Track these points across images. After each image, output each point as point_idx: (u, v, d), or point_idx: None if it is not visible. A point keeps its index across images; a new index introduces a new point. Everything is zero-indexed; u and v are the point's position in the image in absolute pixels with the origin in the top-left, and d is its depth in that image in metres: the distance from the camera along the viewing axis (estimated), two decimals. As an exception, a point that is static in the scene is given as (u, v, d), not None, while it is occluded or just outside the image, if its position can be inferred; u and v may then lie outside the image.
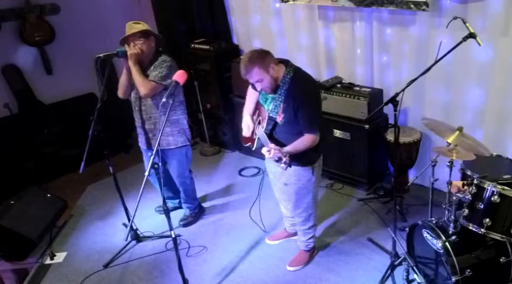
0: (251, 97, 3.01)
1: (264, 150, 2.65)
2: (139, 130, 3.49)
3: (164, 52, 3.34)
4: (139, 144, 3.59)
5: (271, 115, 2.78)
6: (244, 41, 5.07)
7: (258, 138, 2.88)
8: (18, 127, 4.68)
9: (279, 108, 2.71)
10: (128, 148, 5.10)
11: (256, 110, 2.98)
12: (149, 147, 3.48)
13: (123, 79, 3.29)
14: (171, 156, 3.49)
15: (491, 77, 3.29)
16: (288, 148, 2.67)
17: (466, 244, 2.54)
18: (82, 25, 5.05)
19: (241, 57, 2.72)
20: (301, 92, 2.65)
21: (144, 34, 3.17)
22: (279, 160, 2.56)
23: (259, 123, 2.93)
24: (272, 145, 2.61)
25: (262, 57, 2.62)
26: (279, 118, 2.73)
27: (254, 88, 2.97)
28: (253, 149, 2.97)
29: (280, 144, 2.71)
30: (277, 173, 3.07)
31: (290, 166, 2.55)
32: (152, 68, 3.22)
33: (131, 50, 3.12)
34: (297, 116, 2.67)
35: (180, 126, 3.45)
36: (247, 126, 2.93)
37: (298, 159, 2.83)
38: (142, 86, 3.14)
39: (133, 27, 3.17)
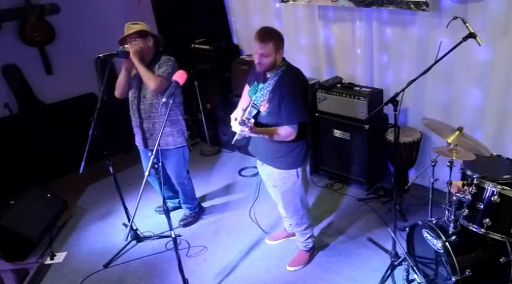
0: (246, 94, 3.03)
1: (235, 124, 2.67)
2: (136, 130, 3.50)
3: (165, 52, 3.35)
4: (136, 144, 3.59)
5: (255, 103, 2.79)
6: (244, 41, 5.07)
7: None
8: (18, 127, 4.68)
9: (265, 97, 2.74)
10: (128, 148, 5.10)
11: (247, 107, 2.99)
12: (146, 146, 3.49)
13: (120, 80, 3.30)
14: (169, 157, 3.48)
15: (491, 77, 3.29)
16: (262, 129, 2.70)
17: (466, 244, 2.54)
18: (82, 25, 5.05)
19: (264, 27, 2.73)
20: (288, 85, 2.68)
21: (141, 34, 3.19)
22: (242, 123, 2.50)
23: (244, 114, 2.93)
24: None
25: (281, 39, 2.69)
26: (263, 108, 2.75)
27: (248, 84, 3.00)
28: (233, 141, 2.91)
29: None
30: (266, 176, 3.09)
31: (252, 131, 2.53)
32: (157, 66, 3.24)
33: (133, 47, 3.13)
34: (280, 108, 2.69)
35: (180, 127, 3.46)
36: (234, 117, 2.92)
37: (283, 162, 2.86)
38: (151, 81, 3.15)
39: (130, 27, 3.20)
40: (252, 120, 2.58)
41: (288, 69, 2.74)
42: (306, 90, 2.87)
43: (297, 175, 2.91)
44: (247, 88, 3.04)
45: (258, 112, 2.78)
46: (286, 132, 2.71)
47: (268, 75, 2.76)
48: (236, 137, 2.88)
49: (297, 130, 2.72)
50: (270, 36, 2.64)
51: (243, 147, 3.00)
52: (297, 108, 2.69)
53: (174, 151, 3.47)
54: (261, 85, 2.80)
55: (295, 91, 2.70)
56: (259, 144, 2.93)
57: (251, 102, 2.85)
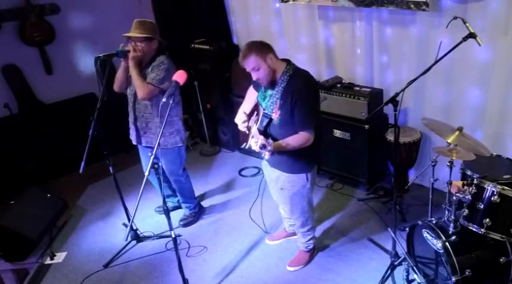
0: (250, 97, 3.01)
1: (252, 141, 2.64)
2: (131, 126, 3.53)
3: (164, 51, 3.33)
4: (130, 137, 3.60)
5: (266, 112, 2.75)
6: (244, 41, 5.03)
7: (253, 136, 2.83)
8: (18, 127, 4.67)
9: (275, 105, 2.69)
10: (128, 148, 5.09)
11: (254, 110, 2.97)
12: (139, 142, 3.53)
13: (119, 74, 3.34)
14: (163, 155, 3.48)
15: (491, 77, 3.29)
16: (280, 142, 2.65)
17: (466, 244, 2.54)
18: (82, 25, 5.05)
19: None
20: (299, 89, 2.63)
21: (147, 38, 3.19)
22: (263, 147, 2.47)
23: (256, 122, 2.90)
24: (261, 136, 2.60)
25: (260, 46, 2.65)
26: (275, 116, 2.70)
27: (255, 87, 2.97)
28: (246, 147, 2.88)
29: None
30: (273, 177, 3.05)
31: (273, 154, 2.51)
32: (150, 68, 3.23)
33: (132, 53, 3.14)
34: (293, 114, 2.64)
35: (174, 128, 3.44)
36: (239, 119, 2.89)
37: (294, 166, 2.84)
38: (141, 90, 3.18)
39: (139, 27, 3.18)
40: (271, 142, 2.51)
41: (295, 73, 2.68)
42: (317, 92, 2.83)
43: (307, 178, 2.90)
44: (251, 90, 3.01)
45: (270, 120, 2.73)
46: (303, 138, 2.65)
47: (276, 81, 2.70)
48: (248, 144, 2.84)
49: (314, 134, 2.67)
50: (248, 50, 2.62)
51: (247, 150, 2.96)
52: (310, 113, 2.66)
53: (168, 151, 3.47)
54: (269, 92, 2.75)
55: (306, 95, 2.65)
56: None
57: (262, 111, 2.80)
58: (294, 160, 2.81)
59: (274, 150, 2.55)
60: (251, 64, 2.61)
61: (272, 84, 2.71)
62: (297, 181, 2.90)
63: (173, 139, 3.45)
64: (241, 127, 2.89)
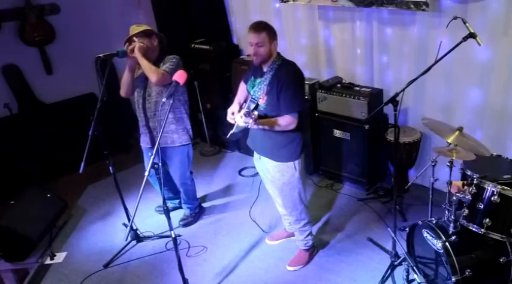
0: (242, 89, 3.08)
1: (237, 116, 2.76)
2: (142, 130, 3.52)
3: (169, 52, 3.38)
4: (141, 144, 3.59)
5: (253, 97, 2.84)
6: (244, 40, 5.07)
7: (237, 124, 2.87)
8: (18, 127, 4.68)
9: (263, 91, 2.80)
10: (129, 148, 5.11)
11: (244, 102, 3.02)
12: (153, 145, 3.49)
13: (125, 79, 3.32)
14: (173, 156, 3.49)
15: (491, 77, 3.29)
16: (264, 120, 2.76)
17: (466, 244, 2.54)
18: (82, 25, 5.05)
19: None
20: (285, 75, 2.77)
21: (146, 34, 3.24)
22: (247, 114, 2.56)
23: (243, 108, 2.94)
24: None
25: (274, 31, 2.81)
26: (262, 101, 2.80)
27: (245, 80, 3.05)
28: (229, 135, 2.95)
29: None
30: (264, 171, 3.11)
31: (256, 122, 2.61)
32: (162, 64, 3.27)
33: (137, 43, 3.17)
34: (279, 99, 2.75)
35: (184, 125, 3.50)
36: (231, 111, 2.95)
37: (281, 154, 2.90)
38: (153, 73, 3.15)
39: (135, 29, 3.26)
40: (256, 112, 2.63)
41: (283, 63, 2.83)
42: (302, 80, 2.98)
43: (295, 167, 2.94)
44: (242, 85, 3.09)
45: (257, 106, 2.80)
46: (287, 121, 2.77)
47: (265, 69, 2.83)
48: (233, 130, 2.91)
49: (297, 118, 2.78)
50: (262, 26, 2.76)
51: (237, 142, 3.01)
52: (295, 97, 2.77)
53: (178, 151, 3.48)
54: (258, 80, 2.86)
55: (292, 81, 2.77)
56: (257, 137, 2.98)
57: (249, 96, 2.90)
58: (280, 146, 2.88)
59: (260, 122, 2.69)
60: (259, 38, 2.72)
61: (261, 68, 2.84)
62: (285, 170, 2.94)
63: (185, 136, 3.50)
64: (229, 117, 2.92)
